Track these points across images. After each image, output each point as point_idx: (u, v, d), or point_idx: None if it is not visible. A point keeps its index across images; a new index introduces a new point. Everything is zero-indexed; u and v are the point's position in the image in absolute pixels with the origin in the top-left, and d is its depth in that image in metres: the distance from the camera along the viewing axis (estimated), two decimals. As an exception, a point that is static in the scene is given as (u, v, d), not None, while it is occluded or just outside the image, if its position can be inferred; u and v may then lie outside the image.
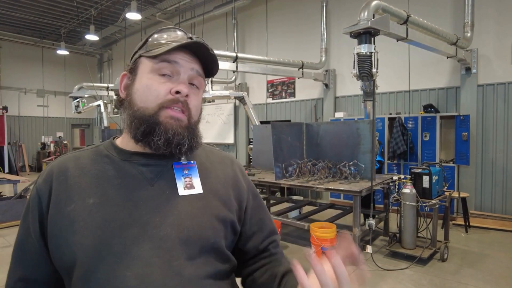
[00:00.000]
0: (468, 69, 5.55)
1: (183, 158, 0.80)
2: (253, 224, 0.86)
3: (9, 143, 12.11)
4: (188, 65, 0.75)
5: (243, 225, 0.85)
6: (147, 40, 0.78)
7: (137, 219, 0.69)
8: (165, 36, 0.76)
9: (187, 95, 0.73)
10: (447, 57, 5.16)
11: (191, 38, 0.76)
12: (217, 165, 0.86)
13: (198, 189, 0.77)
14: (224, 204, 0.79)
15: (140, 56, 0.77)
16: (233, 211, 0.81)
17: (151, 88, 0.73)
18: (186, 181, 0.77)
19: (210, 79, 6.70)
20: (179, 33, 0.78)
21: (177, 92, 0.72)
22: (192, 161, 0.80)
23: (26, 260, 0.73)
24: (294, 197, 6.56)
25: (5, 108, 11.61)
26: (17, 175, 10.27)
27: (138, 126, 0.73)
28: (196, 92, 0.77)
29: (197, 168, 0.80)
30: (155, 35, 0.77)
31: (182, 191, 0.75)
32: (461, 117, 5.42)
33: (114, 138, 0.83)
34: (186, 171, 0.78)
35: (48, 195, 0.72)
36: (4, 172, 10.47)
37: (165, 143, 0.71)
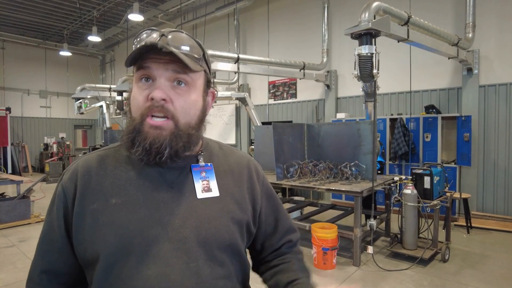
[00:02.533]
0: (469, 70, 5.55)
1: (201, 160, 0.81)
2: (268, 225, 0.89)
3: (12, 144, 12.17)
4: (162, 67, 0.72)
5: (258, 227, 0.87)
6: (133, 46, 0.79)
7: (158, 220, 0.72)
8: (140, 41, 0.76)
9: (164, 99, 0.71)
10: (449, 58, 5.16)
11: (164, 35, 0.74)
12: (234, 166, 0.87)
13: (215, 192, 0.79)
14: (240, 206, 0.81)
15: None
16: (248, 213, 0.83)
17: (134, 97, 0.75)
18: (203, 184, 0.79)
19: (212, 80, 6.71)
20: (149, 35, 0.75)
21: (153, 99, 0.71)
22: (209, 164, 0.82)
23: (49, 253, 0.76)
24: (296, 198, 6.56)
25: (8, 109, 11.68)
26: (20, 175, 10.34)
27: (124, 136, 0.75)
28: (182, 92, 0.74)
29: (214, 170, 0.82)
30: (135, 41, 0.78)
31: (200, 194, 0.77)
32: (463, 118, 5.42)
33: None
34: (203, 174, 0.80)
35: (73, 192, 0.75)
36: (7, 172, 10.53)
37: (143, 152, 0.72)
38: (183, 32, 0.77)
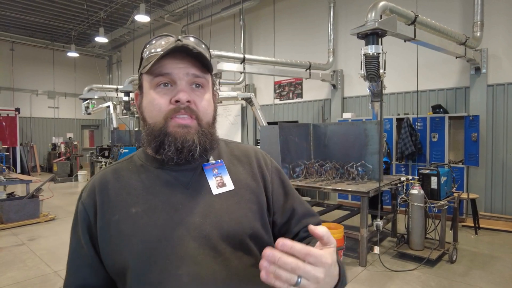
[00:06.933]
0: (477, 69, 5.49)
1: (211, 159, 0.83)
2: (285, 211, 0.88)
3: (21, 144, 12.34)
4: (182, 71, 0.74)
5: (274, 213, 0.87)
6: (142, 54, 0.79)
7: (179, 222, 0.74)
8: (154, 47, 0.77)
9: (188, 101, 0.74)
10: (456, 57, 5.11)
11: (180, 40, 0.76)
12: (243, 159, 0.88)
13: (229, 186, 0.81)
14: (256, 195, 0.83)
15: (141, 73, 0.79)
16: (264, 201, 0.84)
17: (153, 102, 0.75)
18: (217, 180, 0.81)
19: (218, 80, 6.75)
20: (165, 40, 0.77)
21: (177, 101, 0.73)
22: (219, 160, 0.84)
23: (82, 269, 0.78)
24: (302, 198, 6.55)
25: (17, 110, 11.84)
26: (29, 175, 10.47)
27: (150, 142, 0.77)
28: (200, 93, 0.78)
29: (225, 165, 0.84)
30: (147, 48, 0.79)
31: (215, 190, 0.79)
32: (471, 118, 5.36)
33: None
34: (215, 171, 0.82)
35: (94, 208, 0.77)
36: (16, 172, 10.68)
37: (176, 152, 0.74)
38: (191, 36, 0.80)
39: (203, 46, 0.81)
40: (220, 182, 0.80)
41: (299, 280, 0.52)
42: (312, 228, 0.57)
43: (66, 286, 0.80)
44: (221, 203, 0.78)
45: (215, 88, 0.86)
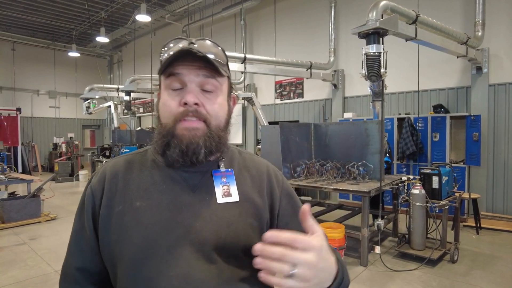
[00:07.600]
0: (479, 69, 5.48)
1: (222, 166, 0.83)
2: (295, 227, 0.85)
3: (22, 144, 12.36)
4: (193, 73, 0.75)
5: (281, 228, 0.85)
6: (160, 58, 0.81)
7: (180, 223, 0.74)
8: (168, 50, 0.79)
9: (197, 104, 0.74)
10: (457, 57, 5.11)
11: (193, 43, 0.77)
12: (254, 172, 0.87)
13: (235, 197, 0.80)
14: (259, 212, 0.82)
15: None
16: (266, 218, 0.83)
17: (166, 104, 0.77)
18: (224, 189, 0.80)
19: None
20: (180, 44, 0.78)
21: (186, 103, 0.74)
22: (230, 169, 0.84)
23: (83, 252, 0.79)
24: (303, 198, 6.55)
25: (18, 109, 11.86)
26: (30, 175, 10.49)
27: (158, 141, 0.78)
28: (211, 96, 0.77)
29: (235, 176, 0.83)
30: (164, 50, 0.80)
31: (220, 198, 0.79)
32: (472, 117, 5.35)
33: None
34: (224, 179, 0.82)
35: (101, 195, 0.79)
36: (17, 172, 10.69)
37: (180, 154, 0.75)
38: (208, 40, 0.80)
39: (220, 48, 0.81)
40: (226, 192, 0.80)
41: (293, 270, 0.53)
42: (304, 210, 0.59)
43: (66, 267, 0.81)
44: (223, 213, 0.77)
45: (232, 91, 0.86)
